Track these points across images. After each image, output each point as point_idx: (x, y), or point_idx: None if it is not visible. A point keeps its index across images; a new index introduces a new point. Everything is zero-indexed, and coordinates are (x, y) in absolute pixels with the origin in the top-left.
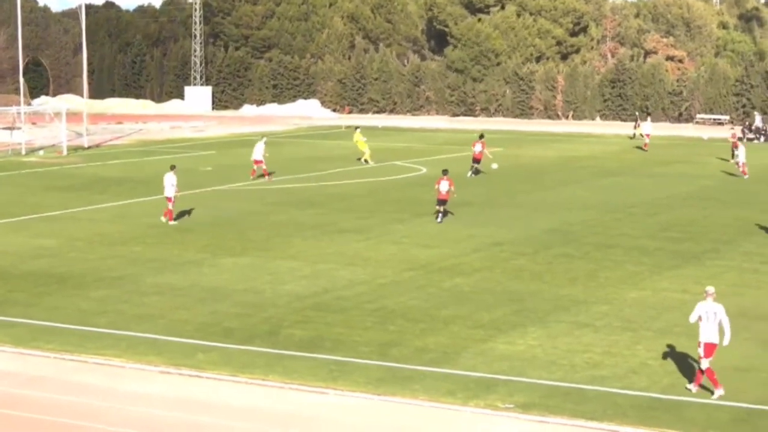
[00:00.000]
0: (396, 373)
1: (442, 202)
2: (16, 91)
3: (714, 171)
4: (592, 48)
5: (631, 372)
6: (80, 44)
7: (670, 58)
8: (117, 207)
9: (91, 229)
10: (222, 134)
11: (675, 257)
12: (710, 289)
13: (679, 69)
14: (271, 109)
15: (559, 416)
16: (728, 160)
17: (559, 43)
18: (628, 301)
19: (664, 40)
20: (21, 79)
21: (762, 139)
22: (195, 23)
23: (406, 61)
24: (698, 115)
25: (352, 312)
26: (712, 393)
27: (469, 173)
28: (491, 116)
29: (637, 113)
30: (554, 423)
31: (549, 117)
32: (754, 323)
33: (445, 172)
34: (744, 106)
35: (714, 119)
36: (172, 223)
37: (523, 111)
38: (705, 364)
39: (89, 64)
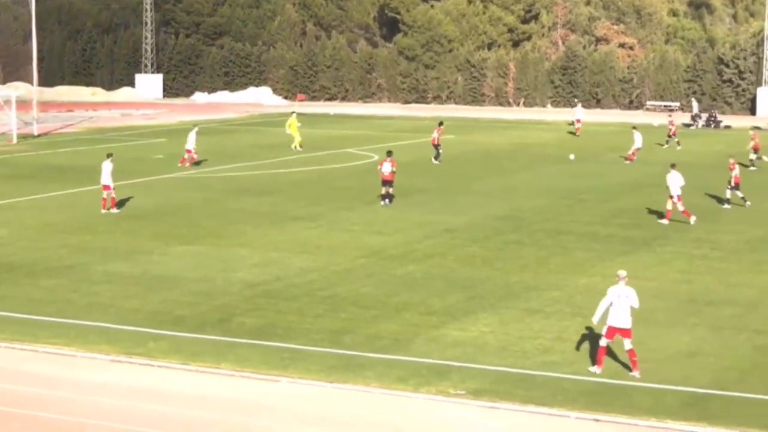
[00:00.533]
0: (348, 360)
1: (387, 183)
2: None
3: (664, 158)
4: (543, 35)
5: (581, 358)
6: (30, 31)
7: (620, 46)
8: (67, 195)
9: (42, 217)
10: (173, 122)
11: (625, 244)
12: (622, 273)
13: (629, 56)
14: (223, 96)
15: (509, 402)
16: (662, 145)
17: (510, 31)
18: (579, 287)
19: (615, 27)
20: None
21: (699, 125)
22: (146, 10)
23: (357, 48)
24: (649, 102)
25: (304, 299)
26: (630, 371)
27: (434, 159)
28: (443, 103)
29: (576, 100)
30: (505, 409)
31: (500, 104)
32: (703, 309)
33: (389, 153)
34: (695, 92)
35: (665, 106)
36: (114, 211)
37: (475, 98)
38: (627, 345)
39: (39, 51)
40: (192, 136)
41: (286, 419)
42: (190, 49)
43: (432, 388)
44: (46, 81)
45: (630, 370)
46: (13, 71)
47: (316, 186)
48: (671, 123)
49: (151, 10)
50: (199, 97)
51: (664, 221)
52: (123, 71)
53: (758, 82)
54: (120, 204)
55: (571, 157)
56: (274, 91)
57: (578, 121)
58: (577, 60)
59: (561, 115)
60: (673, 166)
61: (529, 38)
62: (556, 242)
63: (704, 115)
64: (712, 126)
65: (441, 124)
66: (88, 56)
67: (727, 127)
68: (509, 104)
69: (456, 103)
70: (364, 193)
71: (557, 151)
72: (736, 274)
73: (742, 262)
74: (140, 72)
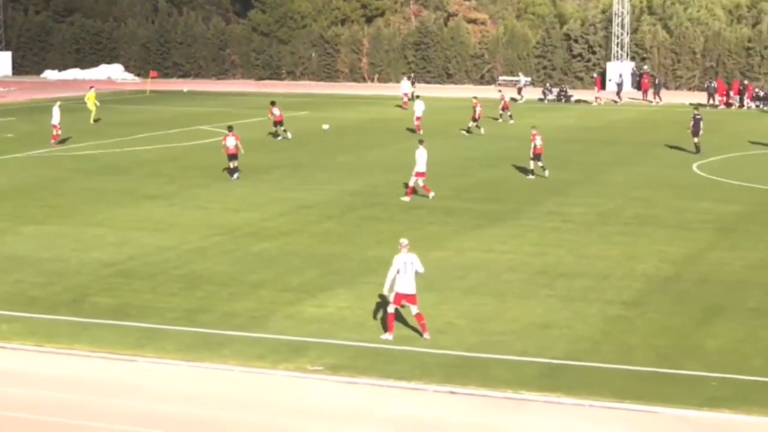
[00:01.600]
0: (205, 338)
1: (232, 157)
2: None
3: (515, 132)
4: (396, 11)
5: (437, 332)
6: None
7: (472, 21)
8: None
9: None
10: (22, 100)
11: (480, 217)
12: (404, 241)
13: (480, 32)
14: (74, 73)
15: (368, 377)
16: (497, 119)
17: (363, 6)
18: (434, 261)
19: (467, 3)
20: None
21: (523, 99)
22: None
23: (210, 24)
24: (500, 78)
25: (159, 278)
26: (421, 335)
27: (279, 137)
28: (297, 79)
29: (412, 74)
30: (364, 384)
31: (355, 80)
32: (556, 281)
33: (230, 128)
34: (545, 68)
35: (515, 81)
36: None
37: (329, 74)
38: (414, 310)
39: None
40: (56, 111)
41: (147, 399)
42: (39, 25)
43: (290, 365)
44: None
45: (421, 334)
46: None
47: (169, 164)
48: (502, 98)
49: None
50: (50, 74)
51: (406, 198)
52: None
53: (608, 57)
54: None
55: (325, 127)
56: (126, 68)
57: (405, 95)
58: (429, 35)
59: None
60: (421, 142)
61: (382, 14)
62: (411, 217)
63: (555, 90)
64: (563, 101)
65: (273, 103)
66: None
67: (579, 101)
68: (364, 80)
69: (310, 79)
70: (218, 171)
71: (406, 126)
72: (587, 246)
73: (592, 234)
74: None
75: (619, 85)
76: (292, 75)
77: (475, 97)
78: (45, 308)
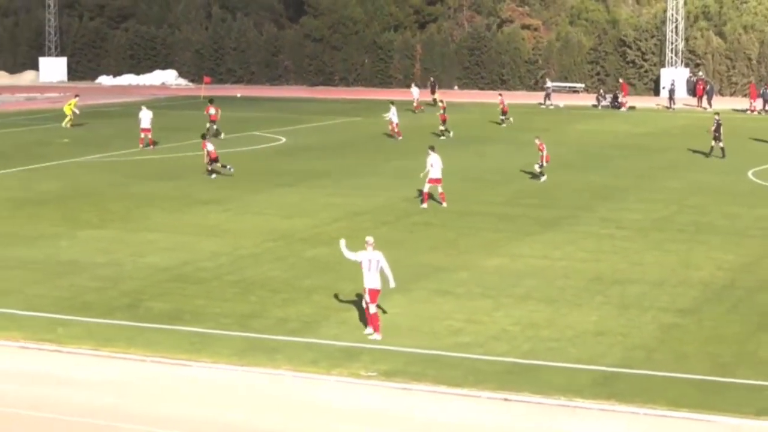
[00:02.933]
0: (258, 343)
1: (215, 161)
2: None
3: (569, 138)
4: (449, 17)
5: (491, 338)
6: None
7: (525, 27)
8: None
9: None
10: (79, 105)
11: (534, 224)
12: (370, 239)
13: (534, 38)
14: (128, 79)
15: (421, 383)
16: (501, 124)
17: (416, 12)
18: (488, 268)
19: (520, 9)
20: None
21: (552, 105)
22: None
23: (263, 30)
24: (554, 83)
25: (213, 283)
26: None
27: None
28: (350, 86)
29: (432, 78)
30: (417, 390)
31: (408, 86)
32: (610, 288)
33: (203, 136)
34: (598, 74)
35: (569, 87)
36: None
37: (383, 80)
38: (372, 308)
39: None
40: (144, 115)
41: (200, 403)
42: (94, 31)
43: (343, 370)
44: None
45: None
46: None
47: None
48: (501, 101)
49: None
50: (105, 80)
51: (424, 205)
52: (26, 54)
53: (661, 64)
54: (25, 188)
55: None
56: (180, 74)
57: (416, 100)
58: (483, 41)
59: (469, 97)
60: (432, 148)
61: (435, 20)
62: (465, 223)
63: (609, 96)
64: (617, 107)
65: (211, 101)
66: None
67: (632, 107)
68: (417, 86)
69: (363, 85)
70: (272, 177)
71: (463, 133)
72: (642, 252)
73: (647, 241)
74: (44, 55)
75: (672, 92)
76: (345, 81)
77: (500, 94)
78: (100, 312)
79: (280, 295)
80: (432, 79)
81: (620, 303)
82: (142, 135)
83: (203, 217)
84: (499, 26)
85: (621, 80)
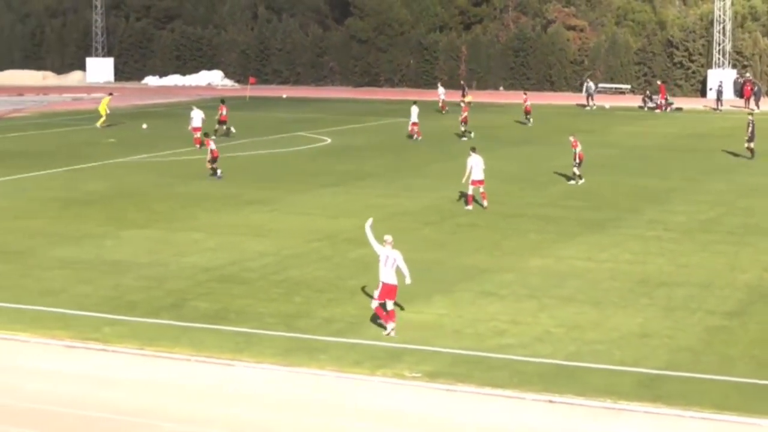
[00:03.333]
0: (303, 343)
1: (216, 159)
2: None
3: (615, 139)
4: (495, 18)
5: (535, 340)
6: None
7: (571, 28)
8: (16, 180)
9: None
10: (124, 105)
11: (578, 225)
12: (388, 237)
13: (580, 39)
14: (174, 80)
15: (466, 384)
16: (526, 123)
17: (462, 13)
18: (533, 269)
19: (566, 10)
20: None
21: (594, 106)
22: None
23: (309, 31)
24: (600, 85)
25: (258, 283)
26: (385, 328)
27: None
28: (395, 86)
29: (462, 82)
30: (462, 391)
31: (453, 87)
32: (656, 290)
33: (206, 134)
34: (645, 75)
35: (615, 88)
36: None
37: (428, 81)
38: (390, 305)
39: None
40: (195, 115)
41: (245, 403)
42: (141, 32)
43: (388, 371)
44: None
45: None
46: None
47: (268, 169)
48: (525, 101)
49: None
50: (151, 80)
51: (468, 207)
52: (73, 55)
53: (708, 65)
54: (71, 188)
55: (144, 126)
56: (226, 74)
57: (442, 100)
58: (528, 42)
59: (514, 98)
60: (473, 149)
61: (480, 21)
62: (510, 224)
63: (656, 97)
64: (666, 109)
65: (223, 101)
66: (38, 40)
67: (679, 109)
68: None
69: (409, 86)
70: (317, 177)
71: (508, 134)
72: (688, 255)
73: (694, 243)
74: (91, 56)
75: (719, 93)
76: (390, 82)
77: (525, 93)
78: (145, 312)
79: (324, 295)
80: (462, 82)
81: (666, 305)
82: (197, 135)
83: (248, 217)
84: (545, 27)
85: (659, 82)
